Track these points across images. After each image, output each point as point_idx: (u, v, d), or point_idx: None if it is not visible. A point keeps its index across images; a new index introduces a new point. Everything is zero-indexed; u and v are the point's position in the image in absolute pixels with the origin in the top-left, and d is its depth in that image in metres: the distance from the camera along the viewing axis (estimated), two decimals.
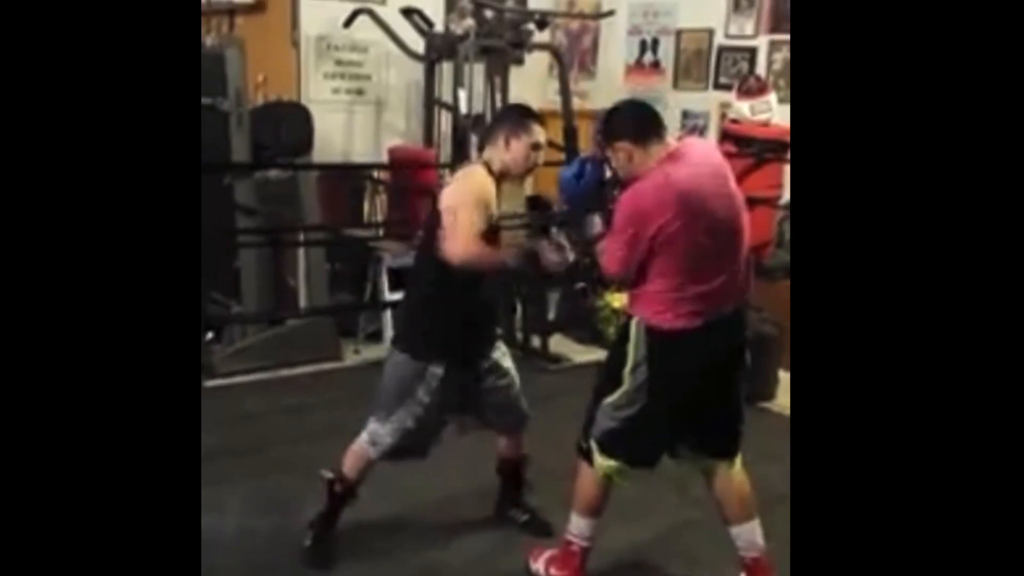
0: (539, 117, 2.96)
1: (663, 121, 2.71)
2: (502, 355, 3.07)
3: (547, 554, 2.96)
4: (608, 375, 2.73)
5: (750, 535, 2.82)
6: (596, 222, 2.78)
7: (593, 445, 2.73)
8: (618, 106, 2.87)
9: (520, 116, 2.96)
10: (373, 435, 2.96)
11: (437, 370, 2.87)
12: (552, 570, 2.92)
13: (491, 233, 2.82)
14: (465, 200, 2.77)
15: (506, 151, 2.87)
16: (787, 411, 4.49)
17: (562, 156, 5.54)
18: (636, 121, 2.68)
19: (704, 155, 2.71)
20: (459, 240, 2.72)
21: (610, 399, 2.69)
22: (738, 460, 2.80)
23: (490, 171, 2.87)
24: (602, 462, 2.73)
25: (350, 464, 3.02)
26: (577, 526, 2.86)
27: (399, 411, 2.90)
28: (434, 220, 2.84)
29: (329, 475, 3.05)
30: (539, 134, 2.90)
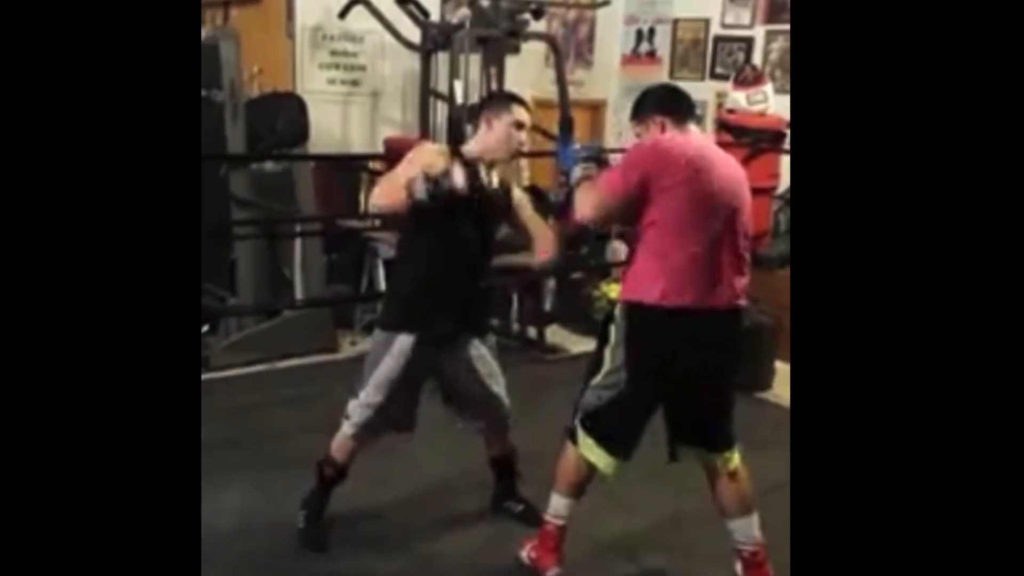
0: (522, 100, 3.03)
1: (695, 112, 2.86)
2: (477, 356, 3.01)
3: (532, 541, 2.98)
4: (593, 356, 2.77)
5: (748, 528, 2.82)
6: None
7: (577, 425, 2.76)
8: (657, 86, 3.01)
9: (501, 98, 3.08)
10: (348, 410, 3.01)
11: (405, 339, 2.89)
12: (532, 553, 2.95)
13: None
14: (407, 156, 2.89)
15: (488, 131, 2.94)
16: (783, 401, 4.51)
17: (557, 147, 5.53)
18: (676, 99, 2.80)
19: (714, 146, 2.82)
20: (378, 186, 2.87)
21: (595, 380, 2.71)
22: (737, 455, 2.80)
23: (457, 154, 2.91)
24: (583, 439, 2.74)
25: (336, 446, 3.06)
26: (554, 506, 2.88)
27: (369, 382, 2.94)
28: None
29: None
30: (521, 113, 2.95)
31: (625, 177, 2.60)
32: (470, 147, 2.98)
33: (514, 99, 3.03)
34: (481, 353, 3.03)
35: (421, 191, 2.70)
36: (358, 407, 2.97)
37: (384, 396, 2.93)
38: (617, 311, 2.69)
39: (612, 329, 2.69)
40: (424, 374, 2.96)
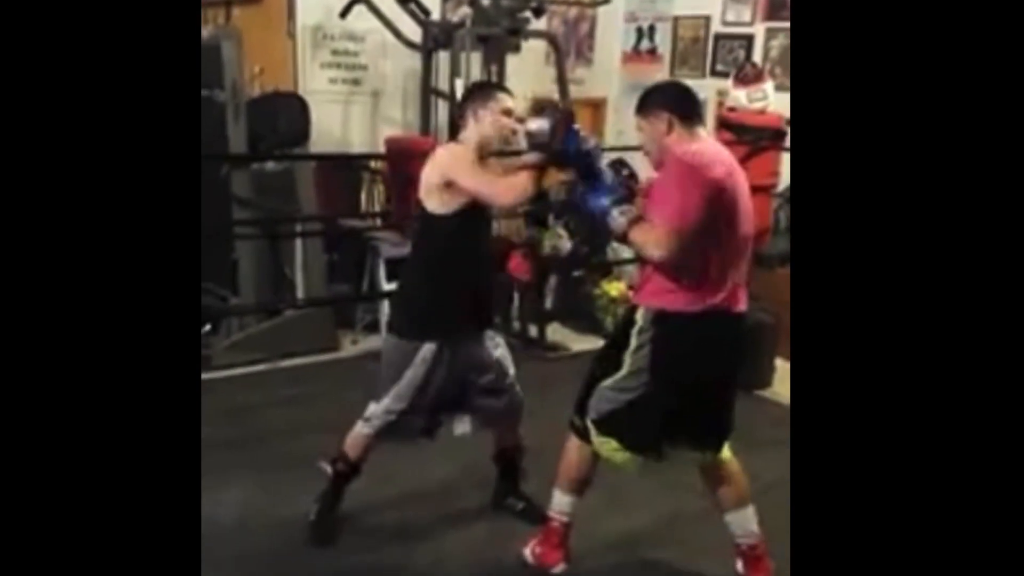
0: (505, 88, 3.02)
1: (703, 114, 2.77)
2: (495, 345, 3.07)
3: (535, 539, 2.99)
4: (607, 357, 2.74)
5: (744, 521, 2.84)
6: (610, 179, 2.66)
7: (590, 425, 2.73)
8: (668, 82, 2.98)
9: (487, 88, 3.03)
10: (368, 413, 3.03)
11: (428, 348, 2.90)
12: (537, 549, 2.97)
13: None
14: (454, 164, 2.80)
15: (476, 123, 2.89)
16: (783, 399, 4.51)
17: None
18: (685, 98, 2.71)
19: (726, 151, 2.75)
20: (490, 188, 2.74)
21: (609, 381, 2.69)
22: (727, 448, 2.81)
23: None
24: (600, 441, 2.73)
25: (350, 444, 3.08)
26: (559, 502, 2.90)
27: (392, 391, 2.95)
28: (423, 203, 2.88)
29: (326, 467, 3.11)
30: (507, 100, 2.92)
31: (689, 203, 2.46)
32: (465, 138, 2.92)
33: (497, 87, 3.03)
34: (498, 342, 3.08)
35: (539, 154, 2.71)
36: (381, 413, 2.99)
37: (407, 403, 2.95)
38: (640, 316, 2.65)
39: (633, 333, 2.66)
40: (445, 376, 2.95)
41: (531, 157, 2.78)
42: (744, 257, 2.66)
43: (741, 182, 2.60)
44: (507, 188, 2.74)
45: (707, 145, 2.64)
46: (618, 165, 2.81)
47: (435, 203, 2.83)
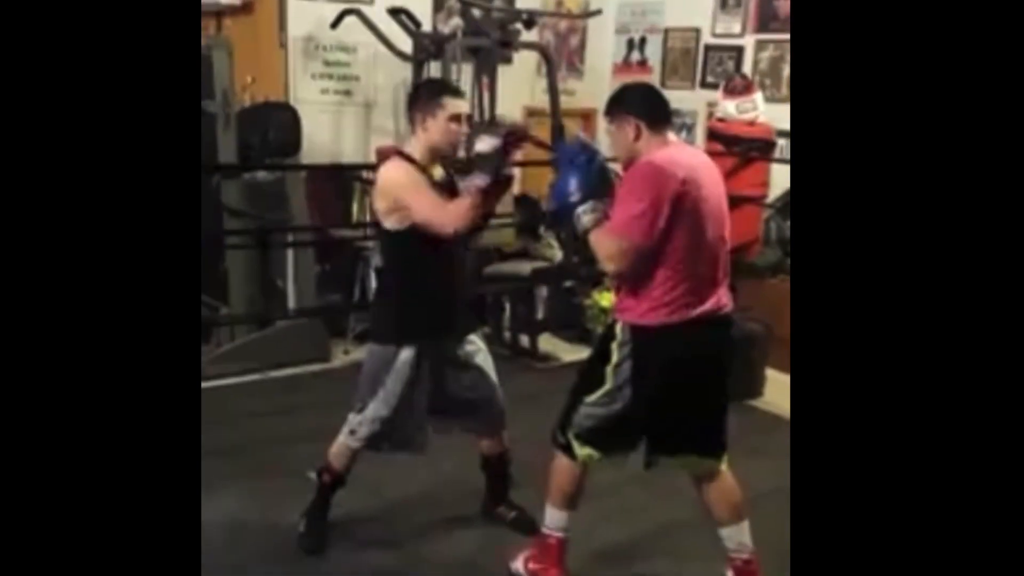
0: (455, 89, 2.94)
1: (671, 116, 2.72)
2: (476, 350, 3.05)
3: (525, 552, 2.97)
4: (591, 372, 2.74)
5: (739, 536, 2.82)
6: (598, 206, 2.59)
7: (572, 439, 2.73)
8: (636, 84, 2.88)
9: (432, 92, 2.89)
10: (351, 425, 3.00)
11: (406, 354, 2.88)
12: (531, 565, 2.93)
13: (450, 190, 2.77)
14: (402, 191, 2.75)
15: (424, 131, 2.81)
16: (774, 409, 4.52)
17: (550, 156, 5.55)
18: (653, 102, 2.68)
19: (699, 155, 2.74)
20: (437, 215, 2.68)
21: (592, 397, 2.69)
22: (724, 462, 2.81)
23: (411, 161, 2.83)
24: (581, 451, 2.73)
25: (334, 454, 3.07)
26: (553, 519, 2.87)
27: (373, 398, 2.92)
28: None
29: (313, 476, 3.12)
30: (456, 106, 2.82)
31: (639, 213, 2.46)
32: (412, 149, 2.86)
33: (445, 89, 2.91)
34: (479, 347, 3.06)
35: (487, 180, 2.65)
36: (365, 422, 2.96)
37: (391, 410, 2.93)
38: (619, 330, 2.66)
39: (613, 347, 2.66)
40: (427, 382, 2.94)
41: (478, 180, 2.69)
42: (721, 262, 2.65)
43: (709, 188, 2.57)
44: (450, 216, 2.67)
45: (675, 150, 2.61)
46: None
47: (391, 222, 2.80)
